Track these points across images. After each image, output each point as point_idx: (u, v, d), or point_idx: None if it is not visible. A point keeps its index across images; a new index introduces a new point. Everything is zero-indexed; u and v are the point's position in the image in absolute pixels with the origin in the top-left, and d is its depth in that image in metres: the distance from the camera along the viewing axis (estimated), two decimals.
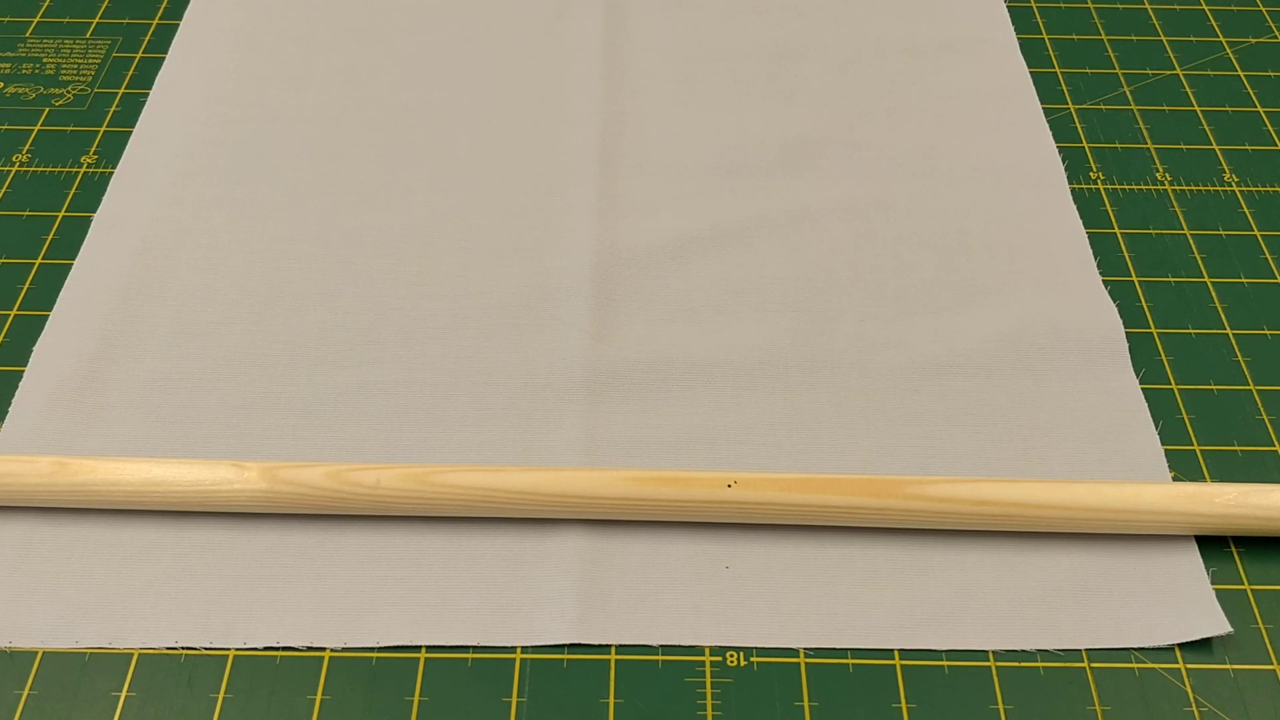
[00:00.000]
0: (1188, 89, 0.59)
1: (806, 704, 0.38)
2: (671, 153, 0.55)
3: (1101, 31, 0.63)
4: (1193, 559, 0.41)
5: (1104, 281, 0.50)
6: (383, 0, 0.63)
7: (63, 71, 0.59)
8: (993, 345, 0.47)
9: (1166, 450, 0.44)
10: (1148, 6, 0.64)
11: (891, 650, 0.39)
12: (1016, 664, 0.39)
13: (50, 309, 0.48)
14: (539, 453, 0.44)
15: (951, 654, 0.39)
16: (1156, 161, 0.56)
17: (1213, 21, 0.63)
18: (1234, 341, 0.48)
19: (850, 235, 0.52)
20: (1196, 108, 0.58)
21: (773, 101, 0.58)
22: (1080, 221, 0.52)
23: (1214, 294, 0.50)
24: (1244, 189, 0.54)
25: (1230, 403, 0.46)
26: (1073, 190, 0.54)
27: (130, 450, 0.44)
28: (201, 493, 0.41)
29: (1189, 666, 0.39)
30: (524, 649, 0.39)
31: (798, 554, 0.41)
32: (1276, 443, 0.45)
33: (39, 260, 0.50)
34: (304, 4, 0.63)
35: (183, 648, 0.39)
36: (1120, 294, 0.50)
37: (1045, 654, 0.39)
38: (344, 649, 0.39)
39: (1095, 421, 0.45)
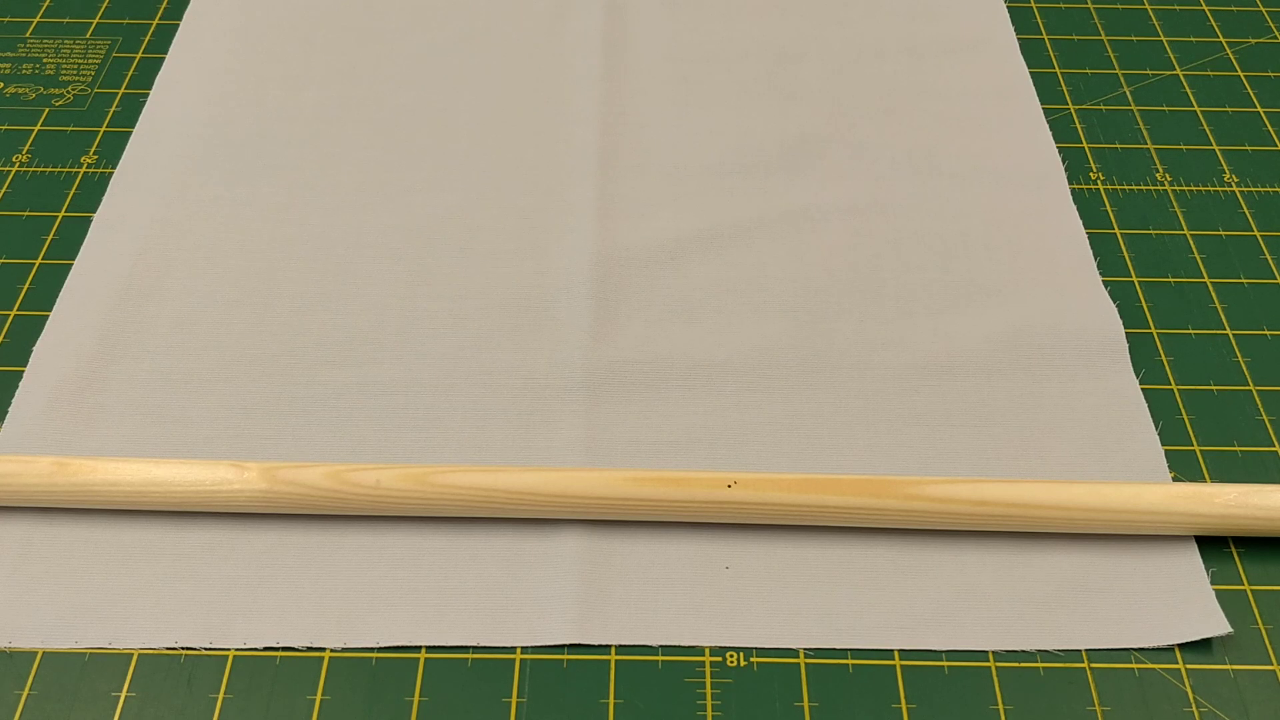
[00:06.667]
0: (1188, 89, 0.59)
1: (806, 704, 0.38)
2: (671, 153, 0.55)
3: (1101, 31, 0.63)
4: (1193, 559, 0.41)
5: (1104, 281, 0.50)
6: (383, 0, 0.63)
7: (63, 71, 0.59)
8: (993, 345, 0.47)
9: (1166, 450, 0.44)
10: (1148, 6, 0.64)
11: (891, 650, 0.39)
12: (1016, 664, 0.39)
13: (50, 309, 0.48)
14: (539, 453, 0.44)
15: (951, 654, 0.39)
16: (1156, 162, 0.56)
17: (1213, 21, 0.63)
18: (1234, 342, 0.48)
19: (850, 235, 0.52)
20: (1196, 108, 0.58)
21: (773, 102, 0.58)
22: (1080, 222, 0.52)
23: (1214, 294, 0.50)
24: (1244, 189, 0.54)
25: (1230, 403, 0.46)
26: (1073, 190, 0.54)
27: (130, 450, 0.44)
28: (201, 493, 0.41)
29: (1189, 667, 0.39)
30: (524, 649, 0.39)
31: (797, 554, 0.41)
32: (1276, 443, 0.45)
33: (39, 260, 0.50)
34: (304, 4, 0.63)
35: (183, 648, 0.39)
36: (1120, 294, 0.50)
37: (1045, 654, 0.39)
38: (344, 649, 0.39)
39: (1095, 421, 0.45)
